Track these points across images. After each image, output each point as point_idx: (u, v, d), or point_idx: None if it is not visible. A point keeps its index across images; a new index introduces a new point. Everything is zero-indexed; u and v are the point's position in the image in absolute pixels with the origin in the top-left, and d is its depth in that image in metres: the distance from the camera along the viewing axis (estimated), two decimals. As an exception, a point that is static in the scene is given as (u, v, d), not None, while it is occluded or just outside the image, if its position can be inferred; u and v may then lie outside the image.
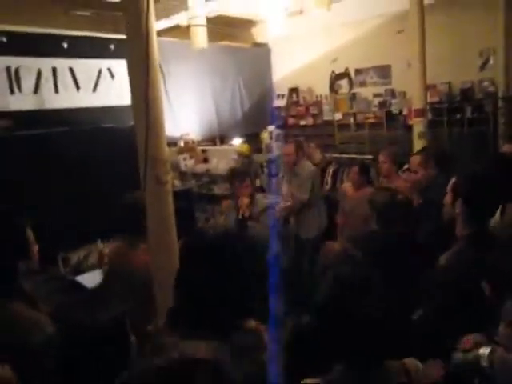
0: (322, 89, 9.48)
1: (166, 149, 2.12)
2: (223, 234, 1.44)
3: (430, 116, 7.09)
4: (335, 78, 9.29)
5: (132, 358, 1.17)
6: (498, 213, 2.30)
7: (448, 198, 2.09)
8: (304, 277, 4.30)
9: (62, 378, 1.10)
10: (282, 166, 4.79)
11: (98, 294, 1.61)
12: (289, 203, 4.42)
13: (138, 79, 1.99)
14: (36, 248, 1.90)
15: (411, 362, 1.37)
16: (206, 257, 1.35)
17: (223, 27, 8.38)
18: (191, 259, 1.39)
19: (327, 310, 1.28)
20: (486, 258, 1.77)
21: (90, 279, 4.10)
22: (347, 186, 4.63)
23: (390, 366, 1.30)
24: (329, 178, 5.82)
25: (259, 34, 9.87)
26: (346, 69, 9.10)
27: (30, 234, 1.89)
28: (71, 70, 5.84)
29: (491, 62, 7.49)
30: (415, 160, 3.82)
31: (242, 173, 4.05)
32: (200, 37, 4.19)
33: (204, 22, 4.49)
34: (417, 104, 5.72)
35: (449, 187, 2.09)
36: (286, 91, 9.86)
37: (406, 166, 4.89)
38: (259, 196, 4.02)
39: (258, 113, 9.06)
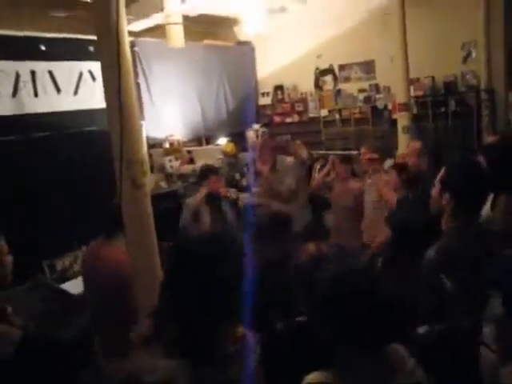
0: (307, 86, 9.45)
1: (144, 150, 2.08)
2: (210, 239, 1.42)
3: (414, 110, 7.11)
4: (320, 75, 9.26)
5: (95, 367, 1.13)
6: (488, 205, 2.27)
7: (436, 190, 2.02)
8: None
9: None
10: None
11: (74, 300, 1.57)
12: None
13: (112, 81, 1.95)
14: (9, 259, 1.84)
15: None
16: (193, 262, 1.33)
17: (205, 26, 8.31)
18: (178, 264, 1.38)
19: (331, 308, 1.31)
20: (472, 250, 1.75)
21: (76, 286, 4.04)
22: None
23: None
24: (316, 175, 5.79)
25: (242, 32, 9.81)
26: (330, 65, 9.08)
27: (2, 245, 1.83)
28: (50, 73, 5.72)
29: (473, 55, 7.52)
30: (415, 145, 3.79)
31: (214, 169, 4.33)
32: (176, 36, 4.13)
33: (179, 20, 4.41)
34: (400, 98, 5.72)
35: (437, 179, 2.04)
36: (270, 89, 9.82)
37: (391, 164, 4.89)
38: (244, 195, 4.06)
39: (243, 111, 9.01)
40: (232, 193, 4.04)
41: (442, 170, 2.05)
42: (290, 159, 4.78)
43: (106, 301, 2.29)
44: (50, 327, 1.12)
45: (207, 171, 4.21)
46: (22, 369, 1.02)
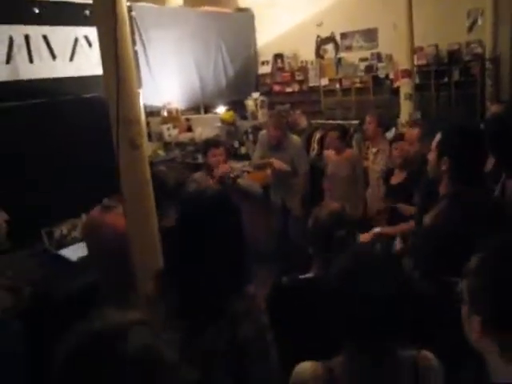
0: (308, 54, 9.29)
1: (141, 111, 2.03)
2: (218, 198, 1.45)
3: (417, 79, 6.98)
4: (321, 43, 9.09)
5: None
6: (497, 189, 2.22)
7: (432, 155, 1.95)
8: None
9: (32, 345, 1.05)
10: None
11: (71, 265, 1.58)
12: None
13: (109, 47, 1.89)
14: (4, 226, 1.82)
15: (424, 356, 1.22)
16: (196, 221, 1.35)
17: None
18: (186, 224, 1.39)
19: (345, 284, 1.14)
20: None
21: (74, 252, 4.06)
22: (329, 152, 4.60)
23: (403, 357, 1.18)
24: (315, 145, 5.75)
25: (242, -1, 9.58)
26: (332, 33, 8.90)
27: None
28: (45, 37, 5.59)
29: (479, 23, 7.35)
30: (413, 133, 3.68)
31: (215, 142, 4.11)
32: (174, 1, 4.02)
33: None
34: (403, 66, 5.62)
35: (433, 144, 1.97)
36: (270, 57, 9.65)
37: (394, 133, 4.82)
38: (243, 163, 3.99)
39: (242, 80, 8.87)
40: (230, 170, 3.84)
41: (438, 135, 1.98)
42: (296, 139, 4.63)
43: (106, 265, 2.29)
44: (52, 288, 1.11)
45: (208, 144, 4.00)
46: (33, 324, 1.00)
